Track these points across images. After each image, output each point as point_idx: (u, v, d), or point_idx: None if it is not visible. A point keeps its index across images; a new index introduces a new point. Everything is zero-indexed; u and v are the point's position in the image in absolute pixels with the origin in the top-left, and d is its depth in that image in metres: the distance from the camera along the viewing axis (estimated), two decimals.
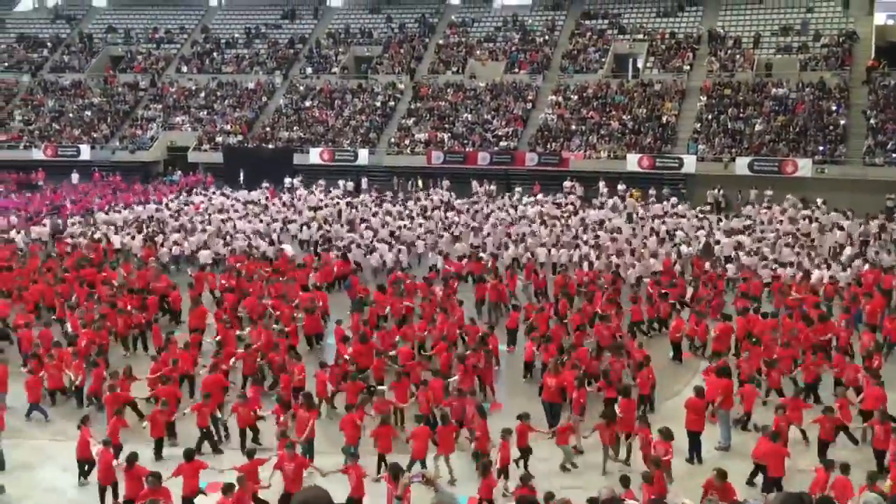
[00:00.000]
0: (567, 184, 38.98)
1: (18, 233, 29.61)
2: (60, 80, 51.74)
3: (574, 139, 42.25)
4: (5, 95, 50.65)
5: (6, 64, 53.23)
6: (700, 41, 47.03)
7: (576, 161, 40.91)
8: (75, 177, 43.04)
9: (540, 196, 36.52)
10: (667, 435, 13.01)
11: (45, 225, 31.07)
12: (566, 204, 34.89)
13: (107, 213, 33.12)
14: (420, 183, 40.77)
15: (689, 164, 39.34)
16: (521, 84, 46.90)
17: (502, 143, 43.17)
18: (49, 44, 54.98)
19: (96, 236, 28.44)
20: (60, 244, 28.08)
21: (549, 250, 26.23)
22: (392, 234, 28.71)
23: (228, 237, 28.56)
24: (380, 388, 15.65)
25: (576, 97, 45.04)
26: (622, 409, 14.34)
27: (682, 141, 41.01)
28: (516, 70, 48.14)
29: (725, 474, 11.53)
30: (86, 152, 45.68)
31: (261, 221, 31.41)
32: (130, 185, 41.11)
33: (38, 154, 45.51)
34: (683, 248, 26.84)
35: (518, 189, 38.81)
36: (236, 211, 33.50)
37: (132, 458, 11.97)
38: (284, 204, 35.82)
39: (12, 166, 44.06)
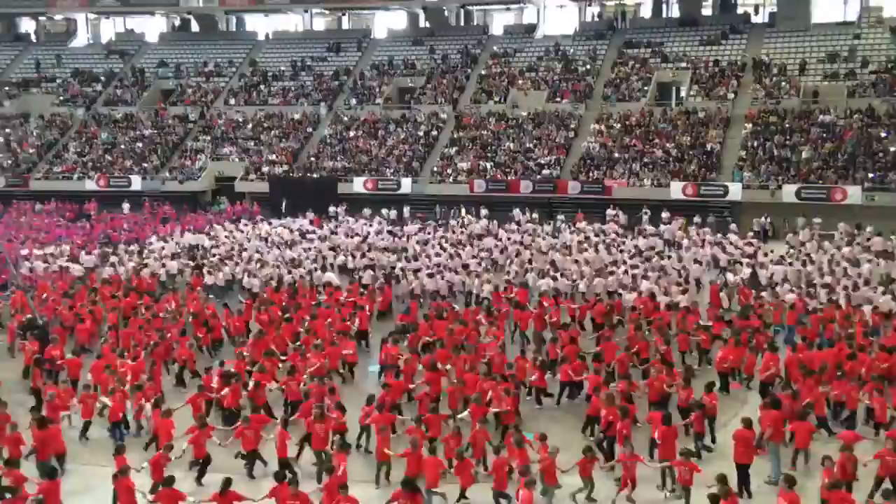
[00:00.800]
0: (610, 212, 38.70)
1: (69, 262, 30.26)
2: (113, 112, 53.15)
3: (617, 167, 42.02)
4: (60, 128, 52.16)
5: (62, 98, 54.89)
6: (744, 69, 46.59)
7: (619, 189, 40.64)
8: (126, 206, 43.97)
9: (582, 224, 36.28)
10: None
11: (95, 254, 31.71)
12: (608, 232, 34.58)
13: (157, 241, 33.69)
14: (463, 211, 40.80)
15: (735, 191, 38.81)
16: (564, 113, 46.88)
17: (545, 172, 43.10)
18: (102, 78, 56.60)
19: (145, 264, 28.87)
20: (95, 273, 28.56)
21: (586, 279, 26.02)
22: (428, 259, 28.73)
23: (282, 266, 28.85)
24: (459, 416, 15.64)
25: (619, 125, 44.86)
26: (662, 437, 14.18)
27: (726, 169, 40.50)
28: (558, 99, 48.17)
29: None
30: (137, 182, 46.74)
31: (307, 250, 31.63)
32: (180, 214, 41.82)
33: (90, 185, 46.68)
34: (730, 277, 26.37)
35: (561, 217, 38.63)
36: (282, 239, 33.89)
37: (170, 481, 12.13)
38: (333, 232, 36.02)
39: (66, 196, 45.23)
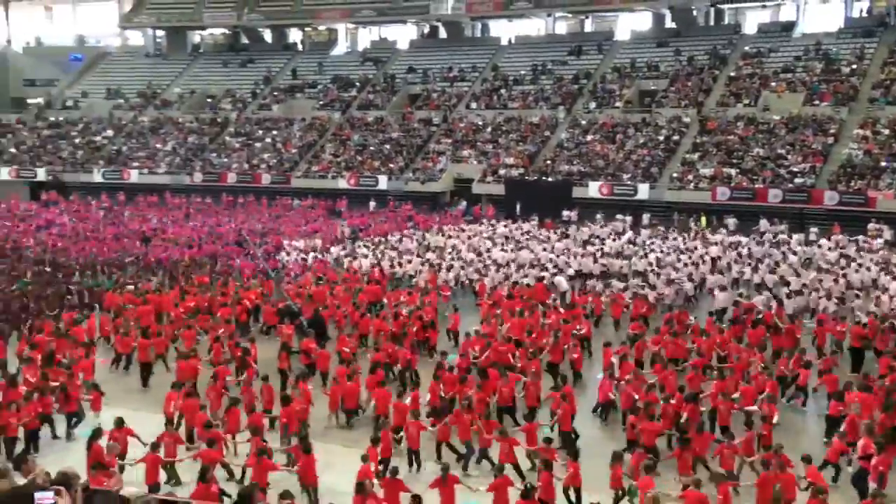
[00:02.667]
0: (872, 226, 34.93)
1: (319, 254, 32.50)
2: (365, 116, 56.61)
3: (883, 177, 37.91)
4: (319, 131, 56.44)
5: (321, 102, 59.38)
6: None
7: (884, 201, 36.65)
8: (372, 204, 46.58)
9: (839, 237, 33.06)
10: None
11: (344, 248, 33.80)
12: (874, 248, 31.20)
13: (399, 241, 35.30)
14: (703, 220, 38.87)
15: None
16: (822, 117, 43.17)
17: (797, 180, 39.92)
18: (357, 84, 60.49)
19: (383, 263, 30.24)
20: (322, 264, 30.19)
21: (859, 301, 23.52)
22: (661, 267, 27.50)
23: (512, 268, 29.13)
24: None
25: (887, 131, 40.48)
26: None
27: None
28: (817, 102, 44.45)
29: None
30: (383, 182, 49.40)
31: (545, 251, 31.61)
32: (421, 213, 43.54)
33: (342, 183, 50.02)
34: None
35: (814, 230, 35.52)
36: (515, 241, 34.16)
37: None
38: (566, 235, 35.79)
39: (321, 193, 48.83)
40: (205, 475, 11.47)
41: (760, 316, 21.52)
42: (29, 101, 68.09)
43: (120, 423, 13.97)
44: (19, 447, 14.91)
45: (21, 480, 5.91)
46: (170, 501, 8.93)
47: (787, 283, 24.94)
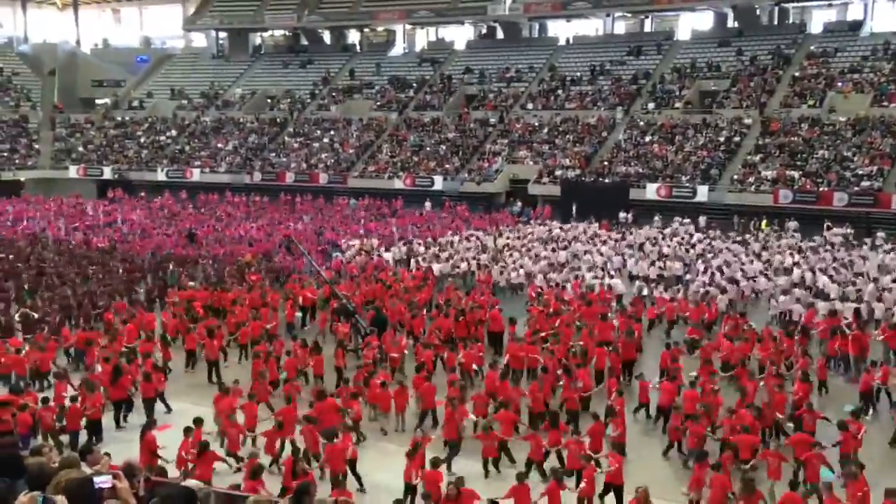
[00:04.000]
0: None
1: (381, 252, 32.78)
2: (422, 117, 56.88)
3: None
4: (377, 131, 56.91)
5: (379, 103, 59.88)
6: None
7: None
8: (427, 205, 46.81)
9: None
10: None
11: (400, 248, 34.06)
12: None
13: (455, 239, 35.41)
14: (764, 224, 38.12)
15: None
16: (891, 118, 41.88)
17: (864, 184, 38.81)
18: (414, 84, 60.80)
19: (436, 265, 30.11)
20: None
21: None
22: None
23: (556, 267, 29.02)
24: None
25: None
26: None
27: None
28: (885, 103, 43.13)
29: None
30: (438, 183, 49.58)
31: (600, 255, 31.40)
32: (476, 214, 43.64)
33: (398, 184, 50.35)
34: None
35: (881, 234, 34.51)
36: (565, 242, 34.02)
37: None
38: (622, 238, 35.52)
39: (377, 193, 49.24)
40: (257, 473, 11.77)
41: (843, 324, 20.70)
42: (97, 101, 70.21)
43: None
44: (82, 438, 15.42)
45: (89, 470, 6.12)
46: (234, 495, 9.15)
47: (855, 290, 24.28)
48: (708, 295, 24.26)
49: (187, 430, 13.63)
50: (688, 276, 27.79)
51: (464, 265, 29.52)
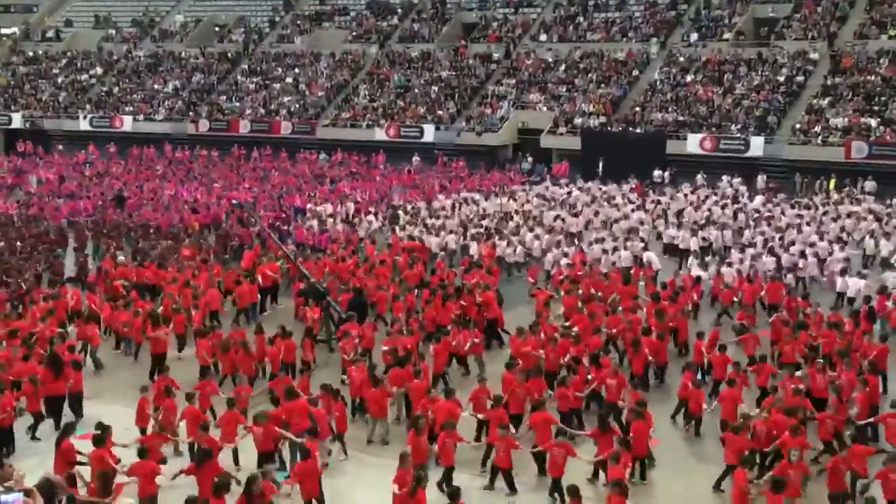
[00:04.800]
0: None
1: (352, 223, 32.76)
2: (408, 51, 56.59)
3: None
4: (351, 69, 56.60)
5: (355, 33, 59.46)
6: None
7: None
8: (416, 161, 46.71)
9: None
10: None
11: (375, 215, 34.00)
12: None
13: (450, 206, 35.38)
14: (832, 183, 38.20)
15: None
16: None
17: None
18: (399, 10, 60.40)
19: (415, 233, 30.27)
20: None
21: None
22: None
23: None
24: None
25: None
26: None
27: None
28: None
29: None
30: (429, 133, 49.46)
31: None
32: (476, 173, 43.61)
33: (380, 134, 50.22)
34: None
35: None
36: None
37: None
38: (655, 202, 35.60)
39: (353, 147, 49.08)
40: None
41: None
42: (2, 30, 69.59)
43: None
44: None
45: None
46: None
47: None
48: (752, 269, 24.46)
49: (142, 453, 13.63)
50: (739, 249, 27.82)
51: (451, 238, 29.50)
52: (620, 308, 21.49)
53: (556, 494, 13.85)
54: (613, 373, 16.85)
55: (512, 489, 14.14)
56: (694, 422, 16.54)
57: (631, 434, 14.72)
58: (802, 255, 26.06)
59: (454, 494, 12.31)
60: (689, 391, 16.44)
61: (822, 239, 27.49)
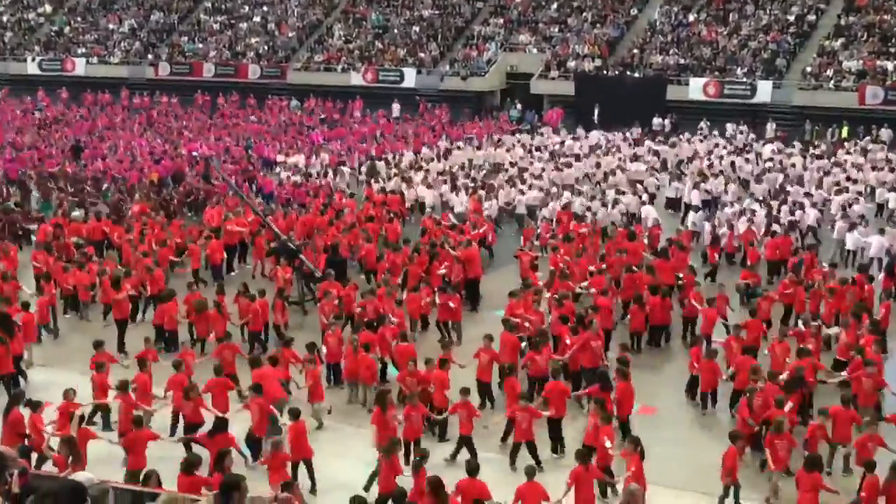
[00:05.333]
0: None
1: (326, 176, 32.70)
2: None
3: None
4: (325, 7, 56.06)
5: None
6: None
7: None
8: (396, 108, 46.52)
9: None
10: None
11: (353, 167, 33.93)
12: None
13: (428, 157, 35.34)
14: (845, 131, 38.32)
15: None
16: None
17: None
18: None
19: (389, 186, 30.26)
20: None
21: None
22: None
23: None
24: None
25: None
26: None
27: None
28: None
29: None
30: (410, 78, 49.18)
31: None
32: (461, 121, 43.50)
33: (356, 79, 49.88)
34: None
35: None
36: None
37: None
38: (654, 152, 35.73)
39: (328, 92, 48.77)
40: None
41: None
42: None
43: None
44: None
45: None
46: (139, 492, 9.28)
47: None
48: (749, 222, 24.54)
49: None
50: (746, 203, 27.95)
51: (431, 193, 29.55)
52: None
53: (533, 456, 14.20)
54: (596, 334, 17.00)
55: (538, 464, 14.06)
56: (710, 396, 16.54)
57: (616, 395, 14.97)
58: (814, 207, 26.25)
59: (474, 469, 12.30)
60: (702, 364, 16.42)
61: (838, 192, 27.72)
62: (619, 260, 22.04)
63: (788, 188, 28.67)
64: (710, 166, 32.11)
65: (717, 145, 36.56)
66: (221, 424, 14.02)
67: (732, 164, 32.60)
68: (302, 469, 13.70)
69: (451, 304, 19.69)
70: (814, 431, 13.91)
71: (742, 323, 17.78)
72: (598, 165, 33.42)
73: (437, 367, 15.80)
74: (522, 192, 28.93)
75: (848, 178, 29.92)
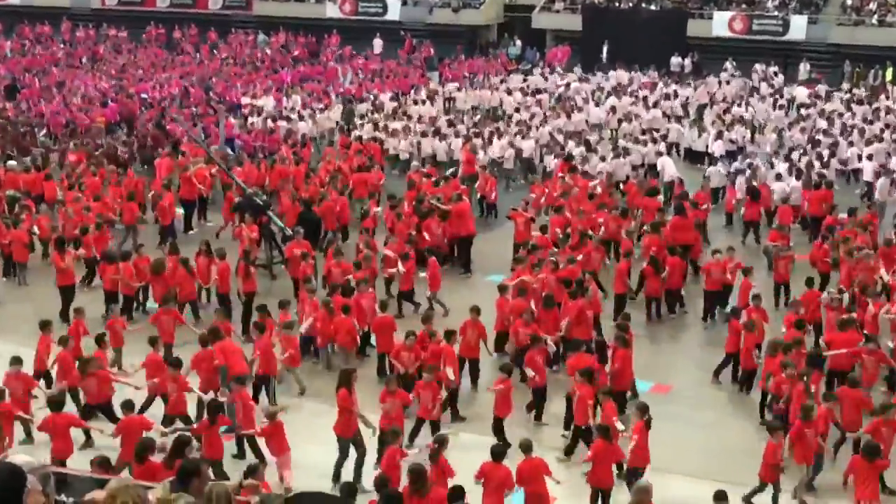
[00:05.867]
0: None
1: (302, 119, 32.69)
2: None
3: None
4: None
5: None
6: None
7: None
8: (378, 44, 46.34)
9: None
10: None
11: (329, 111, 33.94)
12: None
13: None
14: (889, 73, 38.41)
15: None
16: None
17: None
18: None
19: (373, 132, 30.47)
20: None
21: None
22: None
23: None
24: None
25: None
26: None
27: None
28: None
29: None
30: (394, 9, 48.82)
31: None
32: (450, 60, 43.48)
33: (332, 10, 49.56)
34: None
35: None
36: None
37: None
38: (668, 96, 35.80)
39: (299, 25, 48.54)
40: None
41: None
42: None
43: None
44: None
45: None
46: (84, 477, 9.38)
47: None
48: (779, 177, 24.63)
49: None
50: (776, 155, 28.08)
51: (415, 141, 29.69)
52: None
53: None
54: (588, 303, 17.29)
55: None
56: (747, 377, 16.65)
57: (615, 364, 15.24)
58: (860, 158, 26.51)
59: (500, 453, 12.56)
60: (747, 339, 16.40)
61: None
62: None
63: (824, 138, 28.67)
64: (727, 111, 32.13)
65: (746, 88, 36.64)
66: (220, 408, 13.90)
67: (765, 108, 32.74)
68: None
69: (402, 269, 19.57)
70: (824, 417, 13.87)
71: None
72: (613, 110, 33.40)
73: (443, 341, 15.96)
74: (511, 145, 28.85)
75: (887, 126, 30.11)
